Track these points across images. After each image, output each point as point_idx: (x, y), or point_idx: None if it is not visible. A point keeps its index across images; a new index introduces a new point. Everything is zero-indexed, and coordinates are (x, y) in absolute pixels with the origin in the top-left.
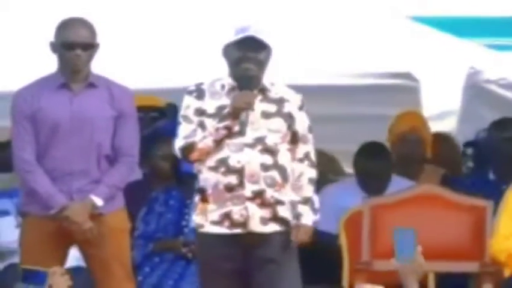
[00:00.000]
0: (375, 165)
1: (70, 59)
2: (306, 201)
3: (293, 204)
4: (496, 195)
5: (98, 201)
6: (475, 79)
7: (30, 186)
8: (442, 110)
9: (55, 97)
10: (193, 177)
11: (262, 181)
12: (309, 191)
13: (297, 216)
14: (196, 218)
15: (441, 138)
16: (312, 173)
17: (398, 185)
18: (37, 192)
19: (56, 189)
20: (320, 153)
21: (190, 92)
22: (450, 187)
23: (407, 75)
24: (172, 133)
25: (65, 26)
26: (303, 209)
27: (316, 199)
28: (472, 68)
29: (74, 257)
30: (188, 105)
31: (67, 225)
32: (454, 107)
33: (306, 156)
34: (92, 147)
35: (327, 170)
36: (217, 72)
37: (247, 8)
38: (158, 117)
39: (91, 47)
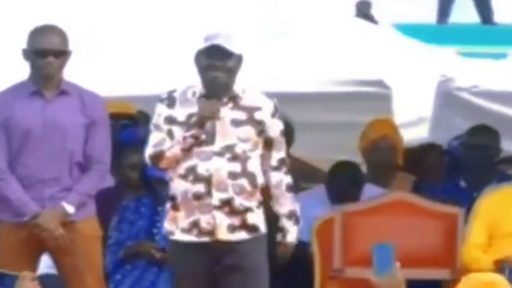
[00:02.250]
0: (346, 189)
1: (42, 66)
2: (291, 215)
3: (277, 215)
4: (467, 202)
5: (70, 209)
6: (446, 87)
7: (2, 193)
8: (414, 118)
9: (28, 104)
10: (161, 183)
11: (231, 189)
12: (290, 201)
13: (281, 230)
14: (167, 225)
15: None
16: (289, 179)
17: (370, 193)
18: (9, 200)
19: (28, 196)
20: (291, 159)
21: (161, 100)
22: (421, 194)
23: (379, 83)
24: (137, 141)
25: (37, 33)
26: (288, 224)
27: (297, 208)
28: (444, 76)
29: (45, 264)
30: (159, 113)
31: (38, 232)
32: (426, 115)
33: (282, 163)
34: (64, 154)
35: (298, 177)
36: (189, 80)
37: (220, 16)
38: (129, 125)
39: (63, 54)
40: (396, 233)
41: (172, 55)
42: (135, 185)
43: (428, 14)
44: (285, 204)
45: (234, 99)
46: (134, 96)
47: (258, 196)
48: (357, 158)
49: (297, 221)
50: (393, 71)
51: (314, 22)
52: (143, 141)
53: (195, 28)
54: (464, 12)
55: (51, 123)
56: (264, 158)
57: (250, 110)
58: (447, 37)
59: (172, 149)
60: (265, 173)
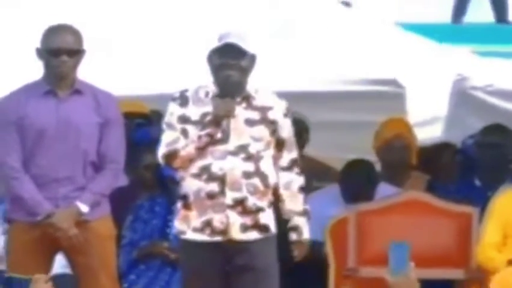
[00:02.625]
0: (360, 187)
1: (56, 66)
2: (304, 213)
3: (289, 214)
4: (481, 201)
5: (84, 208)
6: (461, 86)
7: (16, 192)
8: (428, 117)
9: (41, 104)
10: (176, 182)
11: (245, 188)
12: (302, 201)
13: (296, 228)
14: (177, 224)
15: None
16: (301, 180)
17: (384, 192)
18: (23, 199)
19: (41, 196)
20: (304, 158)
21: (174, 99)
22: (435, 193)
23: (393, 82)
24: (151, 141)
25: (51, 32)
26: (301, 221)
27: (308, 208)
28: (459, 75)
29: (59, 263)
30: (172, 112)
31: (52, 231)
32: (440, 114)
33: (293, 163)
34: (78, 154)
35: (311, 176)
36: (201, 79)
37: (233, 15)
38: (143, 124)
39: (76, 53)
40: (411, 232)
41: (184, 54)
42: (150, 185)
43: (440, 13)
44: (298, 203)
45: (247, 99)
46: (148, 95)
47: (270, 196)
48: (371, 157)
49: (309, 218)
50: (407, 70)
51: (326, 21)
52: (157, 141)
53: (206, 28)
54: (479, 11)
55: (64, 123)
56: (276, 159)
57: (263, 110)
58: (462, 36)
59: (186, 148)
60: (276, 173)
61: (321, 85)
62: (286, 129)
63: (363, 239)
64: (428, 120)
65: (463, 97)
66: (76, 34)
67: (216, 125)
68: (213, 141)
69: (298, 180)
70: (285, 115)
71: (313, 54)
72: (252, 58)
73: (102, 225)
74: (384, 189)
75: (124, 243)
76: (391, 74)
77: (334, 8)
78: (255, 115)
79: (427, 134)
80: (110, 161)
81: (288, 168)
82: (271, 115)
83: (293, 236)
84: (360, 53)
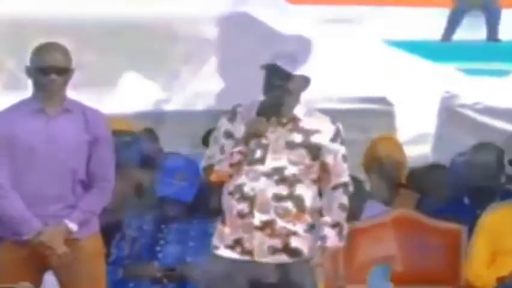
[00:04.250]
0: (349, 205)
1: (45, 84)
2: (335, 225)
3: (321, 225)
4: (470, 219)
5: (73, 227)
6: (449, 103)
7: (5, 210)
8: (417, 134)
9: (31, 122)
10: (172, 203)
11: (273, 211)
12: (339, 215)
13: (323, 238)
14: (214, 239)
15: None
16: (344, 199)
17: (372, 210)
18: (12, 217)
19: (30, 214)
20: None
21: (225, 113)
22: (425, 211)
23: (382, 100)
24: (141, 159)
25: (40, 50)
26: (330, 232)
27: (346, 226)
28: (447, 92)
29: (50, 282)
30: (220, 126)
31: (42, 250)
32: (429, 131)
33: (341, 185)
34: (67, 172)
35: None
36: (198, 96)
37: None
38: (131, 142)
39: (66, 71)
40: (400, 250)
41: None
42: (138, 203)
43: (429, 30)
44: (333, 216)
45: (294, 121)
46: (143, 112)
47: (308, 220)
48: (361, 175)
49: (341, 235)
50: (397, 88)
51: (316, 40)
52: (147, 159)
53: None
54: (470, 30)
55: (54, 141)
56: (322, 182)
57: (308, 133)
58: (451, 54)
59: (221, 163)
60: (323, 195)
61: (310, 103)
62: (332, 154)
63: (352, 257)
64: (418, 137)
65: (451, 114)
66: (64, 52)
67: (245, 143)
68: (249, 160)
69: (341, 198)
70: (332, 140)
71: (302, 72)
72: (302, 79)
73: (91, 243)
74: (372, 208)
75: (110, 261)
76: (380, 92)
77: (322, 27)
78: (297, 138)
79: (417, 151)
80: (99, 179)
81: (334, 188)
82: (315, 139)
83: (318, 242)
84: (350, 71)
